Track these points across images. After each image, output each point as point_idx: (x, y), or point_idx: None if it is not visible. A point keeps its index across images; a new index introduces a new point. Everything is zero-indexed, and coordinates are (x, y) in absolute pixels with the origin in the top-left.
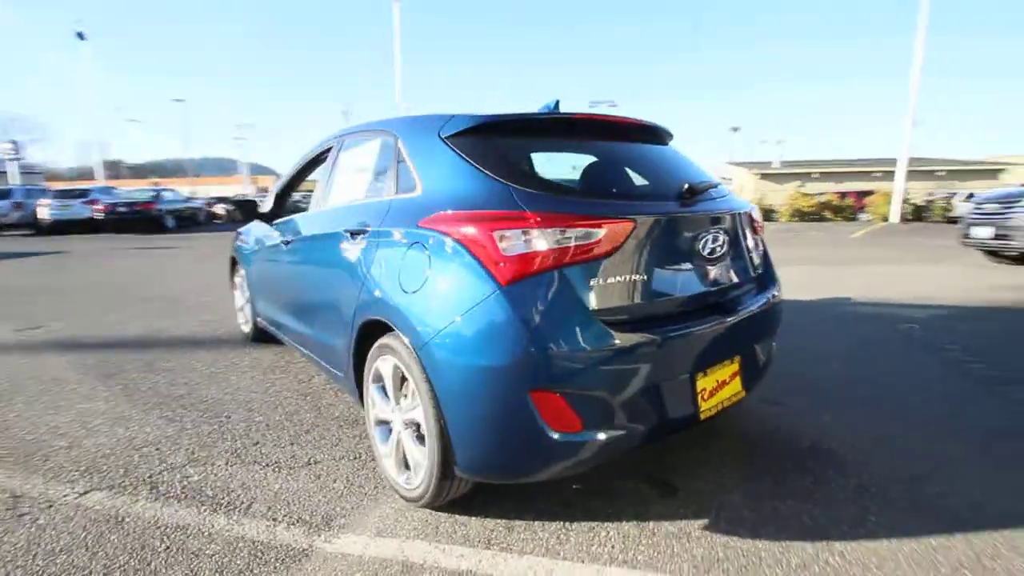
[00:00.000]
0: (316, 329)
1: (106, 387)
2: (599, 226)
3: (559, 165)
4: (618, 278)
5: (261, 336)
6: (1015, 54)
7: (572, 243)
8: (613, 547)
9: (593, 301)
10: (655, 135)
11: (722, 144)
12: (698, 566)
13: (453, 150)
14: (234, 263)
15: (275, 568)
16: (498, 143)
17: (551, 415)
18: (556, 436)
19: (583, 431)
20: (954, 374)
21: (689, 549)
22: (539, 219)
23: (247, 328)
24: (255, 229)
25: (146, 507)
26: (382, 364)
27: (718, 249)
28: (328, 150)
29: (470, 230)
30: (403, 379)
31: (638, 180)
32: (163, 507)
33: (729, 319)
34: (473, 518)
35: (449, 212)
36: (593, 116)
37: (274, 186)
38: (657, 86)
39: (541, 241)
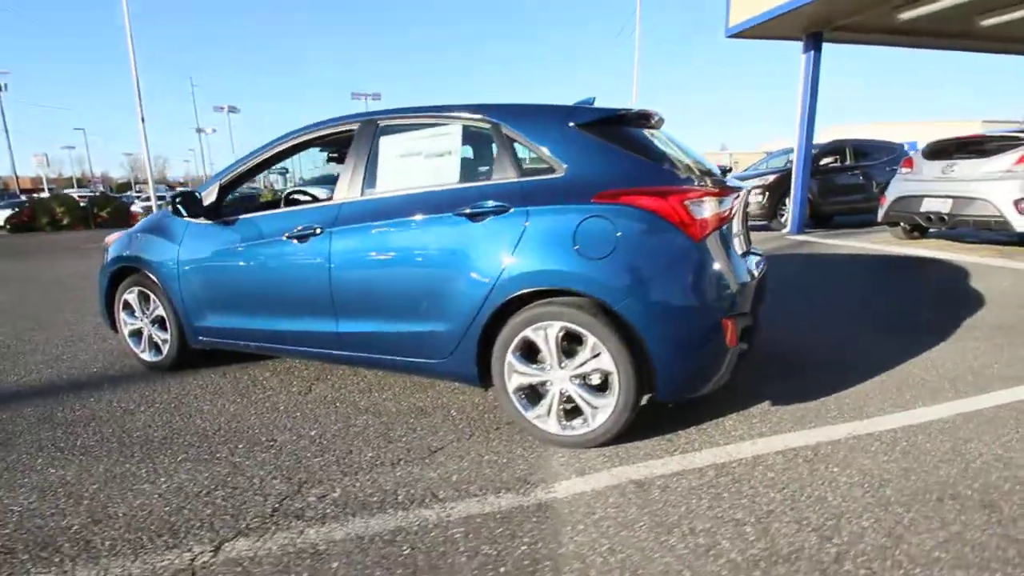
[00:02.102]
0: (387, 322)
1: (61, 452)
2: (728, 194)
3: None
4: (736, 232)
5: (185, 360)
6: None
7: (721, 208)
8: (750, 426)
9: (737, 247)
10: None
11: None
12: (792, 418)
13: (595, 137)
14: (116, 279)
15: (538, 520)
16: (623, 132)
17: (730, 336)
18: (731, 352)
19: (737, 345)
20: None
21: (777, 413)
22: (705, 191)
23: (151, 356)
24: (189, 230)
25: (334, 533)
26: (534, 333)
27: (744, 216)
28: (335, 137)
29: (661, 202)
30: (567, 339)
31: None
32: (353, 526)
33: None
34: (637, 442)
35: (629, 188)
36: (649, 110)
37: (214, 178)
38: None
39: (709, 207)
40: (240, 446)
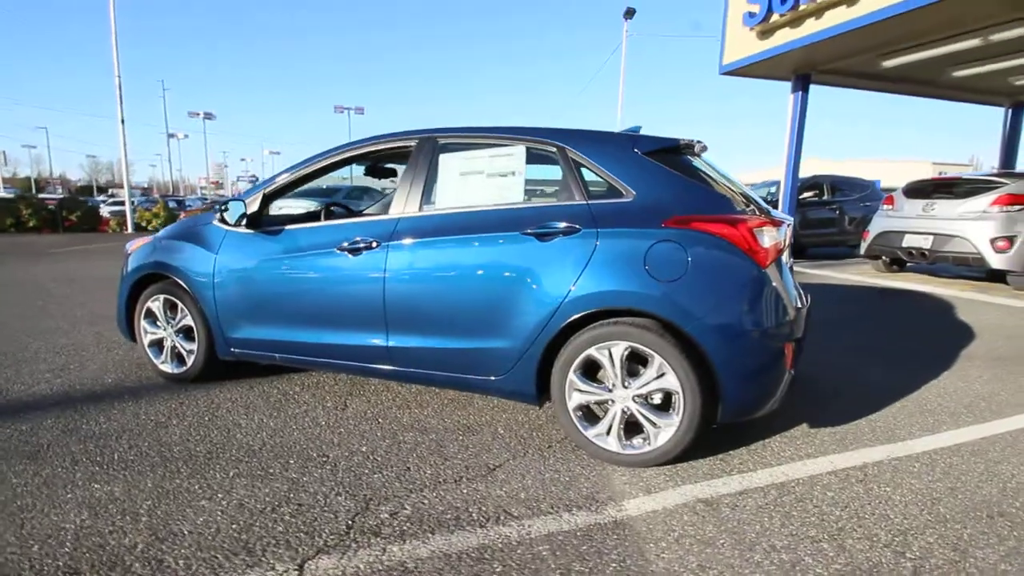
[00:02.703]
0: (442, 338)
1: (99, 467)
2: (781, 225)
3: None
4: (786, 262)
5: (209, 373)
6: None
7: (778, 237)
8: (796, 447)
9: (790, 278)
10: None
11: None
12: (832, 440)
13: (659, 164)
14: (138, 287)
15: (619, 537)
16: (680, 159)
17: (789, 360)
18: (788, 375)
19: (792, 370)
20: None
21: (818, 435)
22: (768, 220)
23: (172, 368)
24: (228, 238)
25: (418, 550)
26: (598, 352)
27: None
28: (389, 152)
29: (731, 229)
30: (631, 359)
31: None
32: (435, 543)
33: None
34: (692, 462)
35: (698, 214)
36: (698, 140)
37: (258, 187)
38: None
39: (769, 236)
40: (292, 461)
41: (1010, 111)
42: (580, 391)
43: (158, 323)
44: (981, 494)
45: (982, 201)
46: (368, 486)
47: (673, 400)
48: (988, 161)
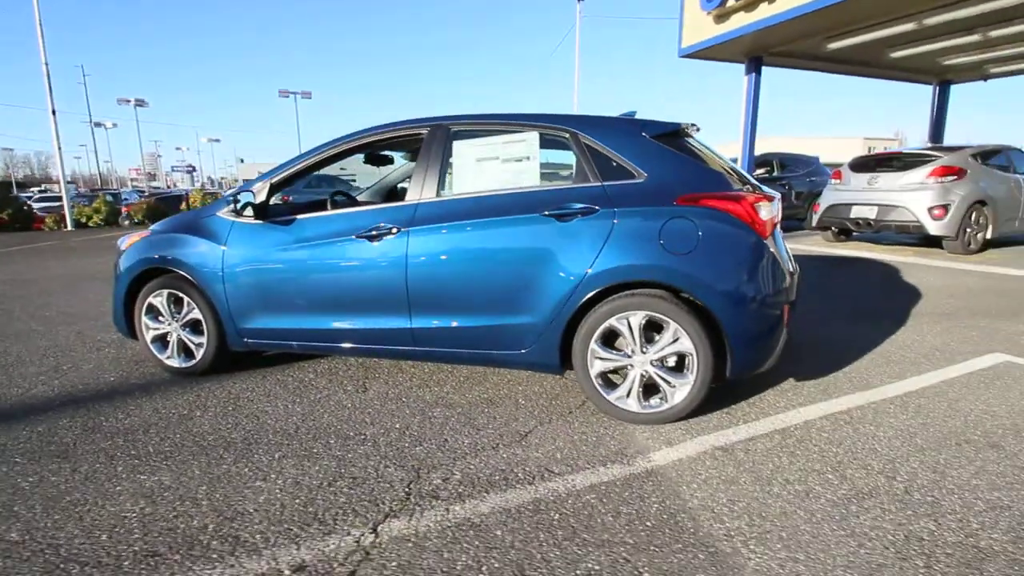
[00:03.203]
0: (467, 317)
1: (139, 460)
2: (774, 200)
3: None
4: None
5: (220, 364)
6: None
7: (773, 211)
8: (787, 398)
9: (784, 247)
10: None
11: None
12: (817, 390)
13: (666, 147)
14: (140, 281)
15: (654, 483)
16: (682, 142)
17: (787, 319)
18: (784, 334)
19: (786, 329)
20: None
21: (803, 387)
22: (764, 196)
23: (179, 362)
24: (235, 230)
25: (479, 507)
26: (617, 321)
27: None
28: (399, 140)
29: (736, 205)
30: (649, 327)
31: None
32: (493, 501)
33: None
34: (702, 417)
35: (707, 192)
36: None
37: (264, 176)
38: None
39: (767, 210)
40: (332, 441)
41: (937, 88)
42: (601, 359)
43: (160, 318)
44: (948, 426)
45: (919, 173)
46: (413, 457)
47: (687, 361)
48: (912, 136)
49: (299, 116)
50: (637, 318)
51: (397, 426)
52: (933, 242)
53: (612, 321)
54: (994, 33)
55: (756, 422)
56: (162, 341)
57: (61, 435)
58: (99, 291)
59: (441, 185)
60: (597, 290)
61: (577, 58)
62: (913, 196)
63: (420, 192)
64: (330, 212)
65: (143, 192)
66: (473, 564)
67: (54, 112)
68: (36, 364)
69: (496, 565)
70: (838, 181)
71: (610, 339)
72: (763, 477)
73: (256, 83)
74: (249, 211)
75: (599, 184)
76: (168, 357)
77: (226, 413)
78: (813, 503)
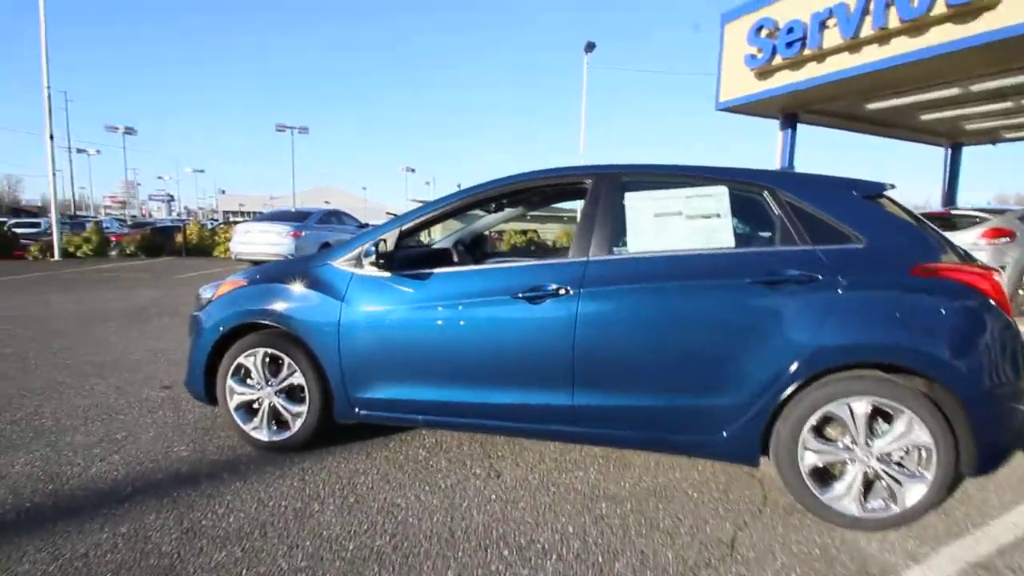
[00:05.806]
0: (646, 395)
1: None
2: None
3: None
4: None
5: (315, 439)
6: None
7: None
8: (988, 492)
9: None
10: None
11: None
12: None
13: (881, 208)
14: (227, 341)
15: None
16: (892, 203)
17: None
18: None
19: None
20: None
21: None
22: (995, 268)
23: (269, 434)
24: (355, 282)
25: None
26: (838, 408)
27: None
28: (557, 189)
29: (981, 279)
30: (875, 415)
31: None
32: None
33: None
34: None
35: (944, 264)
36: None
37: (392, 223)
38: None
39: (1002, 284)
40: (506, 553)
41: (950, 150)
42: (813, 451)
43: (250, 381)
44: None
45: (971, 234)
46: None
47: (921, 456)
48: (912, 198)
49: (294, 150)
50: (862, 404)
51: (570, 530)
52: None
53: (831, 407)
54: None
55: (987, 525)
56: (248, 409)
57: (155, 541)
58: (119, 334)
59: (614, 241)
60: (819, 369)
61: (583, 108)
62: None
63: (588, 248)
64: (478, 267)
65: (123, 220)
66: None
67: (52, 137)
68: (82, 432)
69: None
70: None
71: (820, 428)
72: None
73: (242, 114)
74: (373, 261)
75: (810, 248)
76: (254, 428)
77: (350, 507)
78: None
